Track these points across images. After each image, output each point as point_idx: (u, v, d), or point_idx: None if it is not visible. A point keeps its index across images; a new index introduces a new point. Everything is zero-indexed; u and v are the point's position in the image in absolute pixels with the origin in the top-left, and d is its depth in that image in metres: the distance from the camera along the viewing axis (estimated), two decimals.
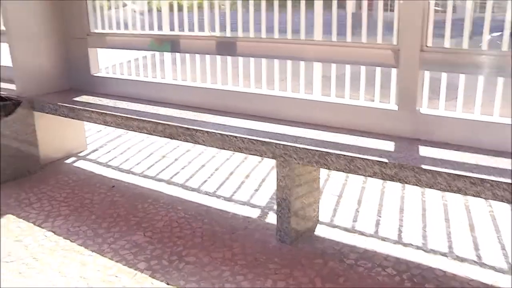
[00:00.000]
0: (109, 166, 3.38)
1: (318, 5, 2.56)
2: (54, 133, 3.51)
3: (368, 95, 2.54)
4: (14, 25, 3.15)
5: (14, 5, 3.15)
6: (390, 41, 2.27)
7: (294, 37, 2.58)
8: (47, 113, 3.14)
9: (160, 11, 3.30)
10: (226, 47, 2.79)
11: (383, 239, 2.26)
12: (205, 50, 2.87)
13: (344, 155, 1.97)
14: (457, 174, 1.74)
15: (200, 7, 3.06)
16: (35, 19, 3.28)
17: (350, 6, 2.49)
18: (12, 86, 3.40)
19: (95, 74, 3.45)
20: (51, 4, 3.35)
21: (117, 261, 2.10)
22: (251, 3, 2.77)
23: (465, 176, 1.72)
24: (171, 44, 2.98)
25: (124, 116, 2.73)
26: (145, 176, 3.16)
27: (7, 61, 3.59)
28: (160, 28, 3.22)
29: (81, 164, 3.45)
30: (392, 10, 2.33)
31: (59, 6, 3.39)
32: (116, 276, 1.98)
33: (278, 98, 2.63)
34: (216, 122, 2.53)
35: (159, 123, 2.58)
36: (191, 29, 3.09)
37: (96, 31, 3.43)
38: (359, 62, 2.32)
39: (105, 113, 2.81)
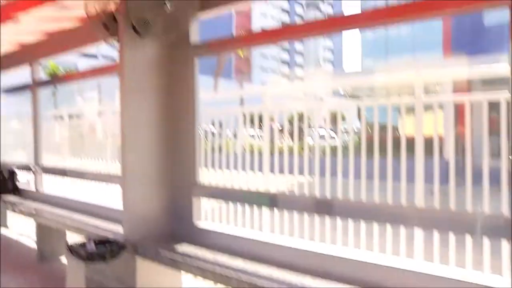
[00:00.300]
0: None
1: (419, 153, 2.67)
2: (153, 279, 3.62)
3: (476, 264, 2.46)
4: (131, 170, 3.50)
5: (133, 154, 3.52)
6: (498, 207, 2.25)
7: (394, 201, 2.73)
8: (148, 258, 3.32)
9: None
10: (324, 207, 2.89)
11: None
12: (303, 208, 3.02)
13: None
14: None
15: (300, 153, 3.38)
16: (150, 166, 3.60)
17: (451, 154, 2.59)
18: (118, 228, 3.69)
19: (197, 224, 3.61)
20: (165, 152, 3.67)
21: None
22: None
23: None
24: (270, 200, 3.18)
25: (223, 275, 2.78)
26: None
27: (112, 203, 4.15)
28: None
29: None
30: None
31: (171, 154, 3.70)
32: None
33: (383, 268, 2.48)
34: None
35: (257, 287, 2.59)
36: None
37: (202, 181, 3.64)
38: (463, 230, 2.25)
39: (204, 269, 2.91)
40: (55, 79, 6.77)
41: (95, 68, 5.22)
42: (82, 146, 6.15)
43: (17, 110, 8.56)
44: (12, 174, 6.53)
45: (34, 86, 6.21)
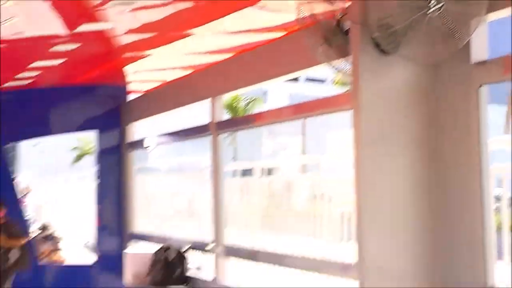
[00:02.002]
0: None
1: None
2: None
3: None
4: (372, 261, 3.49)
5: (375, 236, 3.52)
6: None
7: None
8: None
9: None
10: None
11: None
12: None
13: None
14: None
15: None
16: (406, 258, 3.55)
17: None
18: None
19: None
20: (431, 236, 3.56)
21: None
22: None
23: None
24: None
25: None
26: None
27: None
28: None
29: None
30: None
31: (441, 239, 3.56)
32: None
33: None
34: None
35: None
36: None
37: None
38: None
39: None
40: (238, 119, 7.23)
41: (301, 103, 5.33)
42: (278, 214, 6.24)
43: (178, 163, 9.42)
44: (181, 257, 6.85)
45: (214, 128, 6.42)
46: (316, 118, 5.30)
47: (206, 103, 6.58)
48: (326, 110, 4.98)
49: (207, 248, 6.51)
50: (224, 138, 6.85)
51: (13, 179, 8.75)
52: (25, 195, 9.19)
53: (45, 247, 11.86)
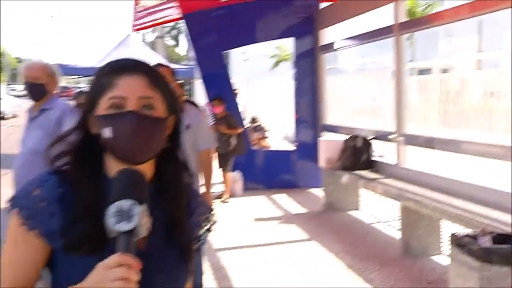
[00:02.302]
0: None
1: None
2: None
3: None
4: None
5: None
6: None
7: None
8: None
9: None
10: None
11: None
12: None
13: None
14: None
15: None
16: None
17: None
18: None
19: None
20: None
21: None
22: None
23: None
24: None
25: None
26: None
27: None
28: None
29: None
30: None
31: None
32: None
33: None
34: None
35: None
36: None
37: None
38: None
39: None
40: (418, 20, 7.06)
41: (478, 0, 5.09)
42: (454, 111, 6.19)
43: (363, 64, 9.48)
44: (367, 145, 6.95)
45: (397, 30, 6.26)
46: (493, 15, 5.00)
47: (388, 7, 6.55)
48: (503, 6, 4.65)
49: (390, 137, 6.68)
50: (405, 39, 6.80)
51: (229, 82, 9.40)
52: (236, 95, 9.86)
53: (255, 136, 12.75)
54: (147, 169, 1.22)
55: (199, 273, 3.37)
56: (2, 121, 22.93)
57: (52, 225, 1.17)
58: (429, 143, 5.92)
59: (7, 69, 73.90)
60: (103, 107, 1.19)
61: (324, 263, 5.23)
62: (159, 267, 1.20)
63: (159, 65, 3.72)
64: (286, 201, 8.05)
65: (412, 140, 6.20)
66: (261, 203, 7.84)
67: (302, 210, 7.54)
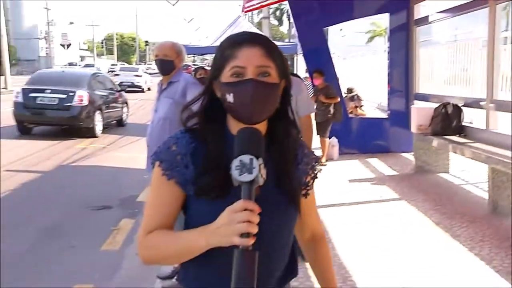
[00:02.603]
0: None
1: None
2: None
3: None
4: None
5: None
6: None
7: None
8: None
9: None
10: None
11: None
12: None
13: None
14: None
15: None
16: None
17: None
18: None
19: None
20: None
21: None
22: None
23: None
24: None
25: None
26: None
27: None
28: None
29: None
30: None
31: None
32: None
33: None
34: None
35: None
36: None
37: None
38: None
39: None
40: None
41: None
42: None
43: (453, 35, 8.98)
44: (458, 111, 6.62)
45: None
46: None
47: None
48: None
49: (481, 103, 6.35)
50: (501, 9, 6.35)
51: (328, 56, 9.28)
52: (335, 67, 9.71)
53: (351, 105, 12.62)
54: (261, 126, 1.29)
55: None
56: (140, 94, 26.24)
57: (186, 175, 1.28)
58: None
59: (136, 51, 77.81)
60: (226, 75, 1.26)
61: (413, 220, 5.14)
62: (273, 210, 1.27)
63: None
64: (378, 164, 7.93)
65: (502, 106, 5.84)
66: (355, 166, 7.79)
67: (393, 172, 7.40)
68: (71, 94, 10.99)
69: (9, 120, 11.69)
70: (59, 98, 10.89)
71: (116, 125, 13.22)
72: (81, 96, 10.97)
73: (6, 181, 7.03)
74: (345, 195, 5.93)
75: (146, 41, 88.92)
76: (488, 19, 5.96)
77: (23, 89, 11.31)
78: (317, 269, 1.52)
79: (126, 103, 13.75)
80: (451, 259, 4.11)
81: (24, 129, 11.26)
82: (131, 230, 5.15)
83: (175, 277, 3.67)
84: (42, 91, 11.10)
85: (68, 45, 44.29)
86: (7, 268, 4.10)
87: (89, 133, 11.17)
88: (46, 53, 54.57)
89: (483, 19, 6.13)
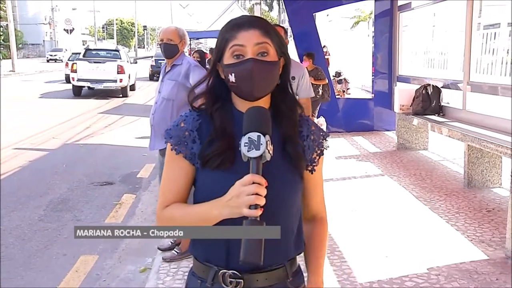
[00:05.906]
0: None
1: None
2: None
3: None
4: None
5: None
6: None
7: None
8: None
9: None
10: None
11: None
12: None
13: None
14: None
15: None
16: None
17: None
18: None
19: None
20: None
21: None
22: None
23: None
24: None
25: None
26: None
27: None
28: None
29: None
30: None
31: None
32: None
33: None
34: None
35: None
36: None
37: None
38: None
39: None
40: None
41: None
42: None
43: (436, 22, 8.95)
44: (437, 92, 6.55)
45: None
46: None
47: None
48: None
49: (458, 85, 6.36)
50: None
51: (317, 40, 9.17)
52: (327, 53, 9.65)
53: (338, 87, 12.61)
54: (265, 101, 1.31)
55: None
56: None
57: (194, 149, 1.30)
58: (493, 90, 5.57)
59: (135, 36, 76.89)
60: (227, 56, 1.28)
61: (396, 194, 5.18)
62: (279, 181, 1.28)
63: (275, 25, 3.74)
64: (363, 142, 7.95)
65: (477, 87, 5.86)
66: (341, 144, 7.80)
67: (377, 149, 7.42)
68: None
69: None
70: None
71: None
72: None
73: (14, 158, 7.01)
74: (332, 171, 5.95)
75: (145, 26, 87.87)
76: (467, 6, 5.91)
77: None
78: (307, 250, 1.43)
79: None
80: (431, 229, 4.16)
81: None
82: (132, 204, 5.15)
83: (175, 249, 3.70)
84: None
85: (71, 30, 43.58)
86: (20, 239, 4.10)
87: None
88: (50, 38, 53.80)
89: (462, 7, 6.08)
